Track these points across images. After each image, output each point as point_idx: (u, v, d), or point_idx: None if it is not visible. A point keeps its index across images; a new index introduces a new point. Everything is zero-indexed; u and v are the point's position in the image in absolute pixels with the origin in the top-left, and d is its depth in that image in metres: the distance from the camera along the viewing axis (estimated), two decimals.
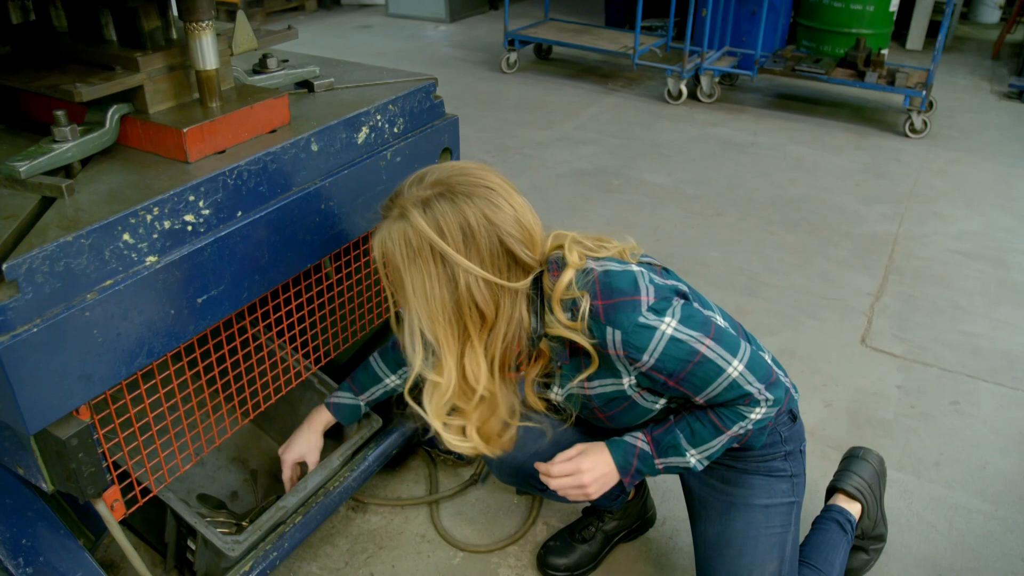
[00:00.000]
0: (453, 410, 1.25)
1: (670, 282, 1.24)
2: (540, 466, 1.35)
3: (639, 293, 1.15)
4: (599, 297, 1.15)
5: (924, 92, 4.08)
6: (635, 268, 1.20)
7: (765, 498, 1.39)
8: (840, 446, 1.95)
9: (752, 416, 1.24)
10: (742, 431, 1.26)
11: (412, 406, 1.27)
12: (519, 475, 1.51)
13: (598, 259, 1.20)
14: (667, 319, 1.15)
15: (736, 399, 1.22)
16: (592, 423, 1.41)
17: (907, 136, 4.20)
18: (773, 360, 1.40)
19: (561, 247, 1.21)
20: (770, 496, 1.39)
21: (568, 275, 1.17)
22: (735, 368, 1.19)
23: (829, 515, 1.62)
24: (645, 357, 1.16)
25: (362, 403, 1.60)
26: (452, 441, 1.25)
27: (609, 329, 1.15)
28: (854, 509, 1.64)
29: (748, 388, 1.21)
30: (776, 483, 1.40)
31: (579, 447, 1.34)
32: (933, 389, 2.29)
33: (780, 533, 1.38)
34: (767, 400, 1.23)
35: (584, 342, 1.18)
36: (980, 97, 4.93)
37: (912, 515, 1.85)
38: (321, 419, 1.60)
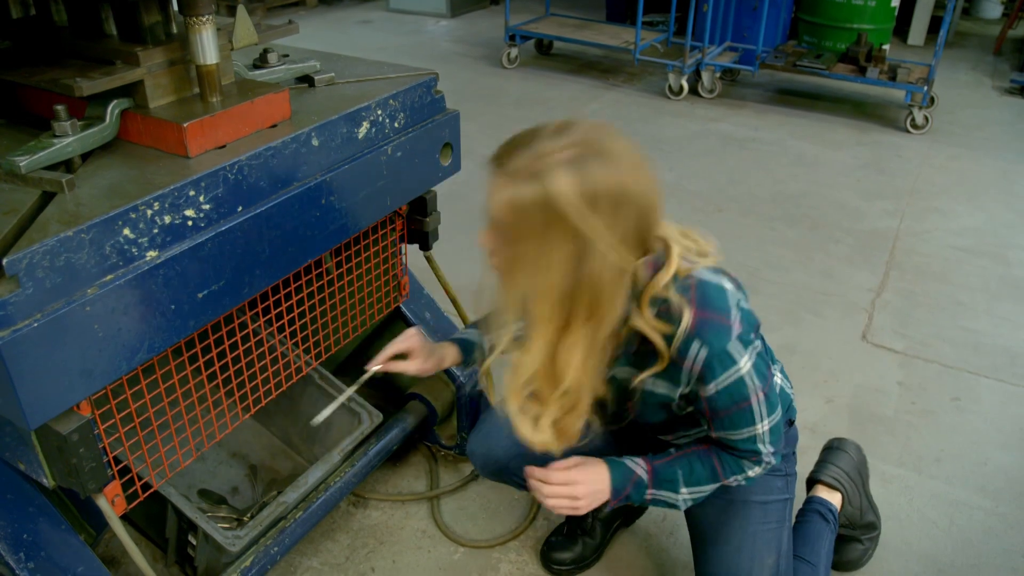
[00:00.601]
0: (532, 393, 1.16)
1: (747, 307, 1.18)
2: (535, 472, 1.26)
3: (731, 318, 1.10)
4: (694, 307, 1.09)
5: (925, 88, 4.07)
6: (727, 284, 1.14)
7: (762, 495, 1.40)
8: None
9: (749, 473, 1.26)
10: (735, 483, 1.28)
11: (485, 382, 1.22)
12: (503, 474, 1.48)
13: (693, 262, 1.13)
14: (746, 357, 1.12)
15: (746, 451, 1.23)
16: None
17: (908, 132, 4.20)
18: (782, 371, 1.41)
19: (663, 239, 1.12)
20: (767, 493, 1.40)
21: (668, 275, 1.08)
22: (763, 427, 1.19)
23: (810, 507, 1.63)
24: (711, 386, 1.13)
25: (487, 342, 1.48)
26: (522, 430, 1.16)
27: (696, 343, 1.09)
28: (834, 499, 1.65)
29: (761, 447, 1.22)
30: (773, 480, 1.42)
31: (576, 459, 1.28)
32: (934, 385, 2.29)
33: (776, 529, 1.40)
34: (767, 465, 1.25)
35: (661, 345, 1.11)
36: (981, 93, 4.92)
37: (912, 511, 1.85)
38: (448, 355, 1.46)
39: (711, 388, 1.13)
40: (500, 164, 1.02)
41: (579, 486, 1.24)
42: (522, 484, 1.44)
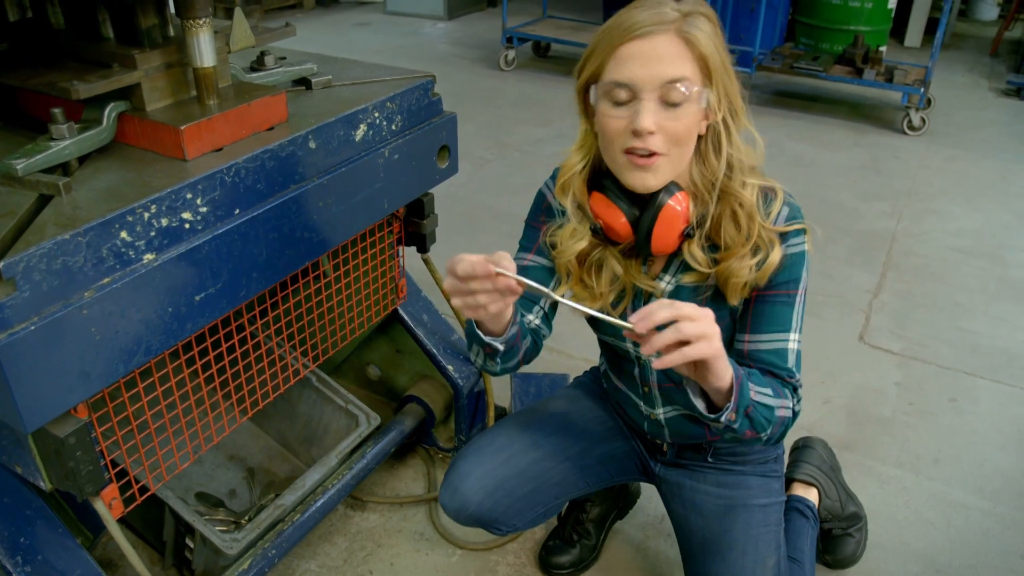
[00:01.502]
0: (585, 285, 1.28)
1: None
2: (652, 308, 0.96)
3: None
4: (780, 185, 1.22)
5: (922, 89, 4.08)
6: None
7: (764, 498, 1.41)
8: (838, 443, 1.95)
9: (794, 403, 1.20)
10: (784, 413, 1.17)
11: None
12: (479, 524, 1.44)
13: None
14: (807, 246, 1.18)
15: (780, 369, 1.19)
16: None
17: (905, 133, 4.20)
18: None
19: None
20: (768, 496, 1.41)
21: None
22: (794, 339, 1.19)
23: (789, 505, 1.64)
24: (779, 251, 1.16)
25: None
26: (565, 248, 1.28)
27: (778, 204, 1.18)
28: (811, 495, 1.67)
29: (791, 366, 1.20)
30: (771, 483, 1.44)
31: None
32: (932, 386, 2.29)
33: (776, 529, 1.40)
34: (797, 400, 1.21)
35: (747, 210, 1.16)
36: (978, 94, 4.93)
37: (910, 512, 1.85)
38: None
39: (780, 252, 1.16)
40: (674, 26, 1.14)
41: (707, 321, 0.97)
42: (500, 531, 1.45)
